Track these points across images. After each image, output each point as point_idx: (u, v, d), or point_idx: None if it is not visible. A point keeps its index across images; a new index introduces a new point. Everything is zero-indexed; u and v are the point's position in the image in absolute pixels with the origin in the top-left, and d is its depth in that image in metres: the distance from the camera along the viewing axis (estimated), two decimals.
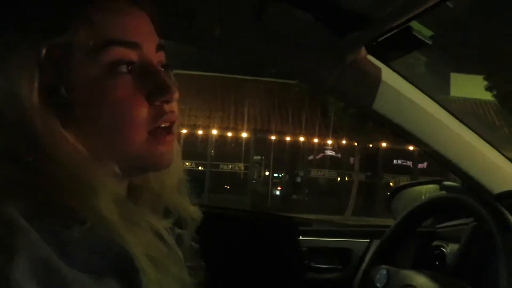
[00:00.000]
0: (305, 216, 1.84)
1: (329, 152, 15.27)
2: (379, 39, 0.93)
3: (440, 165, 1.15)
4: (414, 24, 0.87)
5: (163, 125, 0.52)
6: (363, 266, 1.24)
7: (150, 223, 0.53)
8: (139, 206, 0.55)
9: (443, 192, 1.09)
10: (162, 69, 0.54)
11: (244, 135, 14.18)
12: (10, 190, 0.42)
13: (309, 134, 14.21)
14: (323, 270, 1.35)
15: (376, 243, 1.29)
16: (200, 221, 0.62)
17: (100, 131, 0.49)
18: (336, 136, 14.05)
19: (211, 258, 0.62)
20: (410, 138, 1.11)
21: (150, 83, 0.50)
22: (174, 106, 0.53)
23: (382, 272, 0.99)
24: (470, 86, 14.46)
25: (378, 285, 0.98)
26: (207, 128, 13.52)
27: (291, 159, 15.01)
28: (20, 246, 0.38)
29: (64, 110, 0.47)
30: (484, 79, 13.35)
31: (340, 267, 1.35)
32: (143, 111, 0.49)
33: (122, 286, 0.44)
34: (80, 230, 0.42)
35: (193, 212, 0.62)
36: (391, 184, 15.22)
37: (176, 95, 0.52)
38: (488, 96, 13.81)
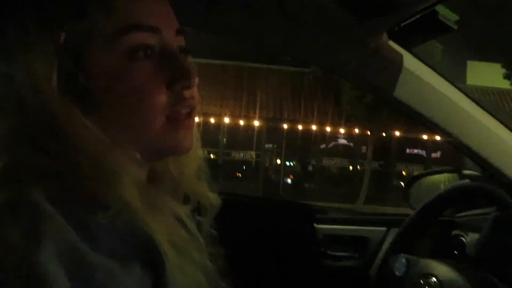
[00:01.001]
0: (317, 204, 1.83)
1: (342, 141, 15.19)
2: (403, 24, 0.91)
3: (461, 153, 1.13)
4: (440, 8, 0.84)
5: (183, 111, 0.51)
6: (381, 254, 1.24)
7: (172, 209, 0.53)
8: (160, 192, 0.55)
9: (466, 180, 1.07)
10: (182, 54, 0.53)
11: (256, 123, 14.16)
12: (35, 177, 0.42)
13: (322, 123, 14.13)
14: (339, 258, 1.35)
15: (393, 231, 1.28)
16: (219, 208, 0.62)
17: (120, 117, 0.48)
18: (349, 125, 13.94)
19: (228, 245, 0.62)
20: (431, 125, 1.09)
21: (170, 68, 0.50)
22: (194, 91, 0.53)
23: (401, 261, 0.98)
24: (488, 74, 14.16)
25: (397, 273, 0.98)
26: (219, 116, 13.52)
27: (303, 147, 14.96)
28: (46, 231, 0.38)
29: (84, 97, 0.47)
30: (502, 66, 13.06)
31: (357, 255, 1.35)
32: (162, 97, 0.49)
33: (146, 272, 0.44)
34: (105, 216, 0.42)
35: (213, 199, 0.62)
36: (404, 173, 15.11)
37: (196, 81, 0.52)
38: (506, 85, 13.52)
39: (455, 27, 0.87)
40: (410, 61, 1.01)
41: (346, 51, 0.99)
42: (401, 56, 1.00)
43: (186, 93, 0.51)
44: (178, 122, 0.51)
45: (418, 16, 0.87)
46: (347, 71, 1.05)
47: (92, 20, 0.47)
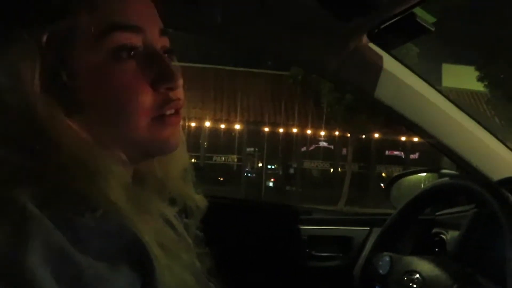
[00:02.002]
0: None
1: (322, 143, 15.32)
2: (382, 26, 0.93)
3: (440, 152, 1.16)
4: (418, 11, 0.87)
5: (168, 112, 0.51)
6: (365, 253, 1.25)
7: (159, 210, 0.53)
8: (146, 193, 0.55)
9: (446, 178, 1.09)
10: (166, 55, 0.53)
11: (237, 126, 14.15)
12: (20, 178, 0.41)
13: (302, 126, 14.22)
14: (324, 258, 1.36)
15: (376, 231, 1.30)
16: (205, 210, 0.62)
17: (104, 118, 0.48)
18: (329, 127, 14.08)
19: (214, 247, 0.62)
20: (411, 126, 1.11)
21: (154, 69, 0.49)
22: (179, 92, 0.52)
23: (385, 259, 1.00)
24: (462, 77, 14.54)
25: (381, 271, 0.99)
26: (199, 120, 13.46)
27: (284, 150, 15.03)
28: (33, 233, 0.37)
29: (67, 97, 0.46)
30: (476, 69, 13.43)
31: (341, 255, 1.36)
32: (147, 98, 0.48)
33: (136, 273, 0.43)
34: (92, 218, 0.42)
35: (199, 200, 0.61)
36: (383, 174, 15.33)
37: (181, 82, 0.51)
38: (479, 87, 13.90)
39: (433, 29, 0.89)
40: (389, 63, 1.03)
41: (327, 52, 1.00)
42: (381, 57, 1.02)
43: (172, 94, 0.51)
44: (164, 121, 0.51)
45: (397, 18, 0.89)
46: (328, 72, 1.07)
47: (75, 19, 0.46)
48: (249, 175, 15.13)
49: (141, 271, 0.44)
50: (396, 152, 15.74)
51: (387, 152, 15.69)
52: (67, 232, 0.39)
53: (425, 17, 0.89)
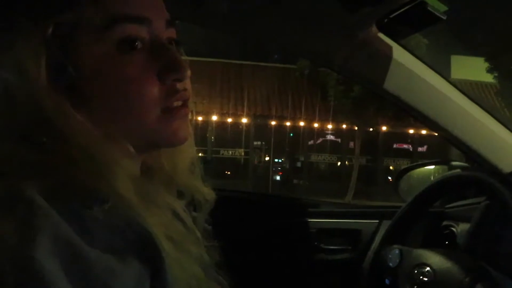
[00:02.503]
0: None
1: (329, 137, 15.28)
2: (391, 15, 0.91)
3: (450, 144, 1.14)
4: None
5: (175, 104, 0.50)
6: (374, 246, 1.25)
7: (168, 203, 0.52)
8: (154, 186, 0.54)
9: (458, 170, 1.08)
10: (173, 46, 0.52)
11: (244, 120, 14.15)
12: (28, 171, 0.41)
13: (309, 119, 14.20)
14: (333, 251, 1.36)
15: (385, 223, 1.29)
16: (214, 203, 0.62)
17: (112, 110, 0.47)
18: (336, 121, 14.04)
19: (223, 240, 0.62)
20: (421, 117, 1.09)
21: (161, 60, 0.49)
22: (187, 83, 0.52)
23: (394, 252, 0.99)
24: (471, 68, 14.38)
25: (391, 264, 0.98)
26: (207, 114, 13.48)
27: (291, 144, 15.02)
28: (41, 226, 0.37)
29: (74, 90, 0.46)
30: (485, 60, 13.26)
31: (350, 247, 1.36)
32: (154, 89, 0.48)
33: (145, 266, 0.43)
34: (100, 210, 0.41)
35: (207, 193, 0.61)
36: (391, 168, 15.27)
37: (188, 73, 0.51)
38: (489, 78, 13.74)
39: (444, 18, 0.87)
40: (399, 53, 1.01)
41: (335, 43, 0.99)
42: (390, 48, 1.00)
43: (179, 86, 0.50)
44: (173, 113, 0.50)
45: (407, 7, 0.87)
46: (336, 64, 1.05)
47: (80, 10, 0.45)
48: (254, 167, 15.13)
49: (150, 264, 0.43)
50: (404, 145, 15.65)
51: (394, 145, 15.61)
52: (75, 224, 0.39)
53: (436, 5, 0.87)
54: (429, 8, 0.85)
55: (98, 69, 0.46)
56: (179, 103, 0.51)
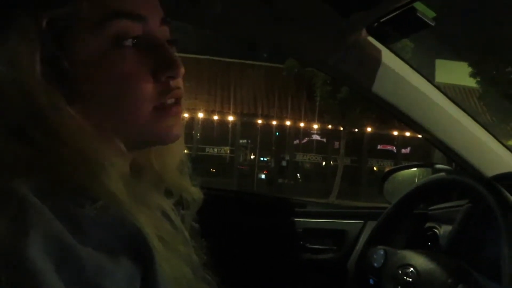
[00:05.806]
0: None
1: (315, 137, 15.38)
2: (382, 20, 0.92)
3: (434, 147, 1.16)
4: (418, 5, 0.86)
5: (168, 102, 0.50)
6: (359, 246, 1.26)
7: (157, 202, 0.52)
8: (144, 185, 0.54)
9: (442, 173, 1.10)
10: (167, 44, 0.52)
11: (231, 118, 14.13)
12: (20, 168, 0.41)
13: (295, 118, 14.25)
14: (318, 251, 1.37)
15: (370, 224, 1.31)
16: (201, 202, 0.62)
17: (105, 106, 0.47)
18: (322, 121, 14.13)
19: (209, 239, 0.62)
20: (407, 120, 1.11)
21: (155, 58, 0.49)
22: (180, 82, 0.52)
23: (379, 253, 1.00)
24: (455, 72, 14.63)
25: (375, 265, 1.00)
26: (192, 111, 13.40)
27: (277, 143, 15.06)
28: (33, 224, 0.37)
29: (68, 85, 0.45)
30: (469, 65, 13.51)
31: (335, 247, 1.37)
32: (148, 86, 0.48)
33: (135, 265, 0.43)
34: (92, 209, 0.41)
35: (195, 193, 0.61)
36: (375, 168, 15.46)
37: (182, 71, 0.51)
38: (472, 83, 14.00)
39: (433, 24, 0.89)
40: (388, 57, 1.03)
41: (326, 46, 1.00)
42: (380, 51, 1.01)
43: (172, 83, 0.50)
44: (166, 111, 0.50)
45: (397, 12, 0.89)
46: (327, 66, 1.06)
47: (75, 5, 0.45)
48: (240, 166, 15.12)
49: (141, 263, 0.43)
50: (388, 147, 15.85)
51: (379, 146, 15.80)
52: (68, 223, 0.39)
53: (425, 11, 0.88)
54: (418, 14, 0.86)
55: (92, 64, 0.46)
56: (172, 100, 0.51)
